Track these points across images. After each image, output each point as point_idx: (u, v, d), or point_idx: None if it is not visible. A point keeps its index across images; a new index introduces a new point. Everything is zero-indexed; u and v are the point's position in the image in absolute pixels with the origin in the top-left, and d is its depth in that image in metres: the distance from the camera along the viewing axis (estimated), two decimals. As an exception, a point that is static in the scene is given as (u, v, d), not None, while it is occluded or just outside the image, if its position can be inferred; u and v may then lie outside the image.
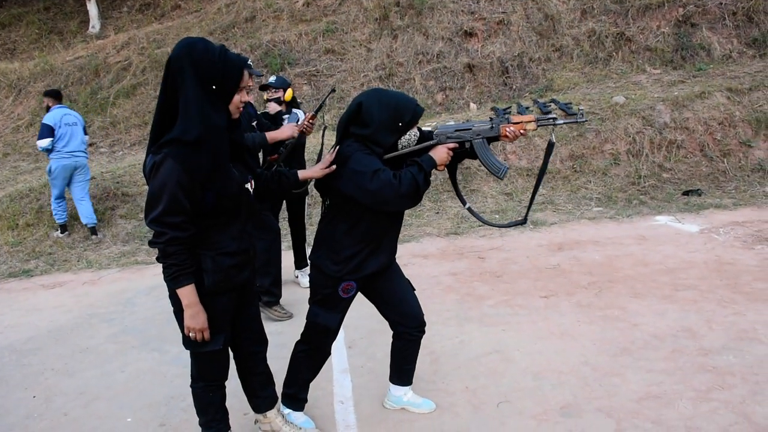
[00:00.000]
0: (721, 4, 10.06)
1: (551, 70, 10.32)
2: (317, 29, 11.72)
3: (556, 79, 10.06)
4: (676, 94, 8.41)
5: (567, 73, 10.16)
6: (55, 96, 7.52)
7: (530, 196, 2.99)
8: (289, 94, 4.87)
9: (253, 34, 12.16)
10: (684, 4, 10.21)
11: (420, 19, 11.37)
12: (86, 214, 7.41)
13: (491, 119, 2.74)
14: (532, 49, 10.59)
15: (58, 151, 7.18)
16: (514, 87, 10.29)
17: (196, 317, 2.32)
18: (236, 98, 2.30)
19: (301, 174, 2.73)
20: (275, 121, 4.80)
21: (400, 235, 6.22)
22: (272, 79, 4.90)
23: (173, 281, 2.27)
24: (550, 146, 2.76)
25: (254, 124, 4.45)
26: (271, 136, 4.34)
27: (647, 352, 3.65)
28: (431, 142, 2.69)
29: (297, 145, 4.72)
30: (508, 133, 2.68)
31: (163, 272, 2.29)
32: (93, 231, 7.51)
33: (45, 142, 7.09)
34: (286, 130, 4.39)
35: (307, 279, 5.19)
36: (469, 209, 2.99)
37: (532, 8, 11.00)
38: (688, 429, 2.86)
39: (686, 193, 7.26)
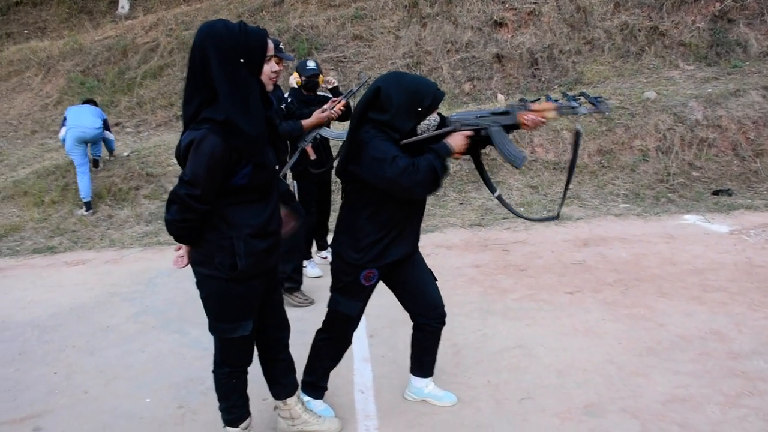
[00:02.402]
0: (760, -1, 9.82)
1: (581, 62, 10.15)
2: (346, 15, 11.65)
3: (586, 72, 9.90)
4: (710, 91, 8.21)
5: (597, 66, 9.99)
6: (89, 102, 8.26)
7: (563, 191, 2.90)
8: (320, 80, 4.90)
9: (282, 18, 12.13)
10: (721, -2, 9.98)
11: (450, 7, 11.24)
12: (82, 187, 7.64)
13: (510, 107, 2.65)
14: (562, 41, 10.42)
15: (67, 125, 7.61)
16: (543, 79, 10.14)
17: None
18: (266, 68, 2.28)
19: (282, 210, 2.61)
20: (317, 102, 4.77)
21: (423, 225, 6.11)
22: (313, 65, 4.81)
23: (183, 237, 2.32)
24: (578, 135, 2.66)
25: (283, 107, 4.42)
26: (306, 123, 4.35)
27: (674, 353, 3.56)
28: (447, 129, 2.60)
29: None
30: (526, 121, 2.55)
31: (173, 226, 2.28)
32: (87, 206, 7.67)
33: (62, 132, 7.70)
34: (315, 119, 4.36)
35: (310, 269, 5.15)
36: (499, 197, 2.89)
37: (564, -1, 10.83)
38: (716, 434, 2.79)
39: (716, 192, 7.09)
